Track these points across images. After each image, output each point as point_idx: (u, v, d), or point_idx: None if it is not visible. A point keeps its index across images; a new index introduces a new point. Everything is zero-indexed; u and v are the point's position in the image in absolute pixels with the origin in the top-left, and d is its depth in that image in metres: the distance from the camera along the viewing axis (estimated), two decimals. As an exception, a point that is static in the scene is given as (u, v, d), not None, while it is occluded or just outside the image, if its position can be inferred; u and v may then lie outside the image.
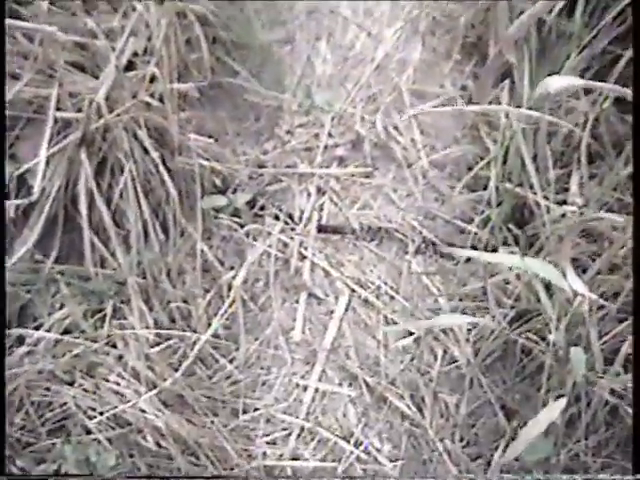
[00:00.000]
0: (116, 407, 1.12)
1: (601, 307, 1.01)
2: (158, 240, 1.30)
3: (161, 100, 1.27)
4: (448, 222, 1.49)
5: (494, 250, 1.31)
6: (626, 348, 0.86)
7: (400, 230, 1.48)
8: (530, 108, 1.19)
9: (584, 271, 1.11)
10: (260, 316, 1.38)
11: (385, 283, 1.43)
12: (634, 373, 0.79)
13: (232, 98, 1.55)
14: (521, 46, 1.32)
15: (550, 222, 1.18)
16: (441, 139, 1.58)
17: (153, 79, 1.26)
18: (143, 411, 1.11)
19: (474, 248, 1.38)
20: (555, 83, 0.93)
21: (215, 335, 1.32)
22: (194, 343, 1.26)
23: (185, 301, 1.31)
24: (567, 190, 1.28)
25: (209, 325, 1.31)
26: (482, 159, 1.45)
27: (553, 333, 0.98)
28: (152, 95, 1.28)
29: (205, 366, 1.26)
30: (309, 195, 1.51)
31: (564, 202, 1.26)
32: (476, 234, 1.41)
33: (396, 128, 1.59)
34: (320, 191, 1.52)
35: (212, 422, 1.18)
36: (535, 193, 1.24)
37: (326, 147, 1.57)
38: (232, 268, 1.40)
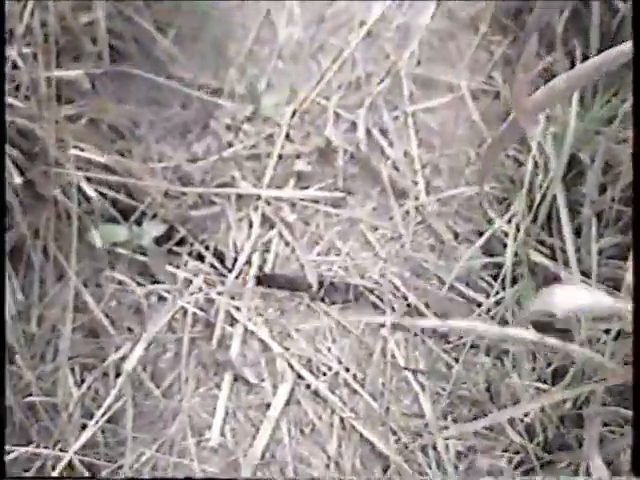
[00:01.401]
0: None
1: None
2: (14, 300, 1.12)
3: (28, 97, 1.11)
4: (445, 284, 1.27)
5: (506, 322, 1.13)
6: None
7: (376, 291, 1.28)
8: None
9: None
10: (162, 406, 1.18)
11: (347, 369, 1.23)
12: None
13: (145, 79, 1.34)
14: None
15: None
16: (449, 157, 1.38)
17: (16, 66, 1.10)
18: None
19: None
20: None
21: (91, 444, 1.12)
22: (57, 460, 1.08)
23: (48, 394, 1.13)
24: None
25: (83, 429, 1.12)
26: (504, 201, 1.27)
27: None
28: (17, 88, 1.11)
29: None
30: (250, 227, 1.32)
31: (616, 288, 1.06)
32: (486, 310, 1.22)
33: (385, 133, 1.38)
34: (267, 222, 1.33)
35: None
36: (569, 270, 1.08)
37: (281, 157, 1.37)
38: (124, 340, 1.21)
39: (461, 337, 1.23)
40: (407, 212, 1.35)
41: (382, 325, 1.26)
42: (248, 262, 1.30)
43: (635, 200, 0.85)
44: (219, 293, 1.27)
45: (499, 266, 1.23)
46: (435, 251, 1.32)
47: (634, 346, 0.81)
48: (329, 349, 1.24)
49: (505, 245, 1.21)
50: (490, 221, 1.28)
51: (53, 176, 1.14)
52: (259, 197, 1.33)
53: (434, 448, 1.14)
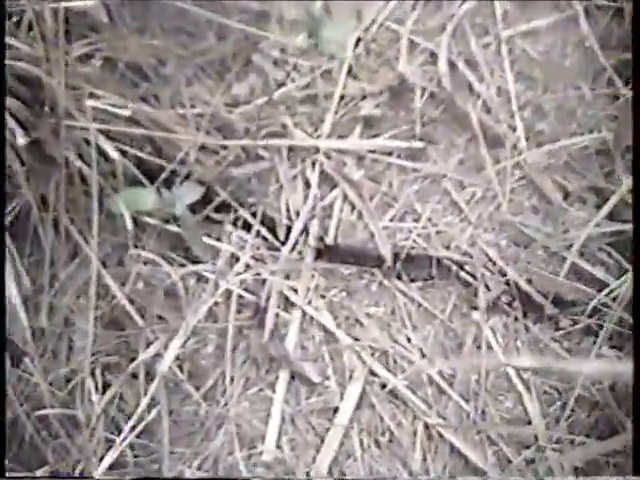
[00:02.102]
0: None
1: None
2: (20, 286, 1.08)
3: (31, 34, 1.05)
4: (555, 255, 1.22)
5: None
6: None
7: (466, 264, 1.23)
8: None
9: None
10: (204, 413, 1.14)
11: (431, 364, 1.18)
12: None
13: (171, 5, 1.24)
14: None
15: None
16: (555, 94, 1.34)
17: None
18: None
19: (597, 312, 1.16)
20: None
21: (119, 464, 1.07)
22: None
23: (64, 404, 1.07)
24: None
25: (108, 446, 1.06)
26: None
27: None
28: (18, 25, 1.06)
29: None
30: (307, 187, 1.29)
31: None
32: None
33: (473, 66, 1.34)
34: (327, 181, 1.29)
35: None
36: None
37: (343, 98, 1.32)
38: (155, 333, 1.15)
39: (575, 321, 1.18)
40: (502, 165, 1.30)
41: (474, 307, 1.21)
42: (305, 231, 1.26)
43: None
44: (271, 272, 1.22)
45: (620, 233, 1.19)
46: (539, 214, 1.27)
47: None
48: (408, 339, 1.19)
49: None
50: (611, 176, 1.23)
51: (64, 132, 1.10)
52: (317, 150, 1.29)
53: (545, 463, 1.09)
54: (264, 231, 1.26)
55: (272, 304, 1.20)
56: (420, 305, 1.22)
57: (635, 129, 0.91)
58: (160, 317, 1.17)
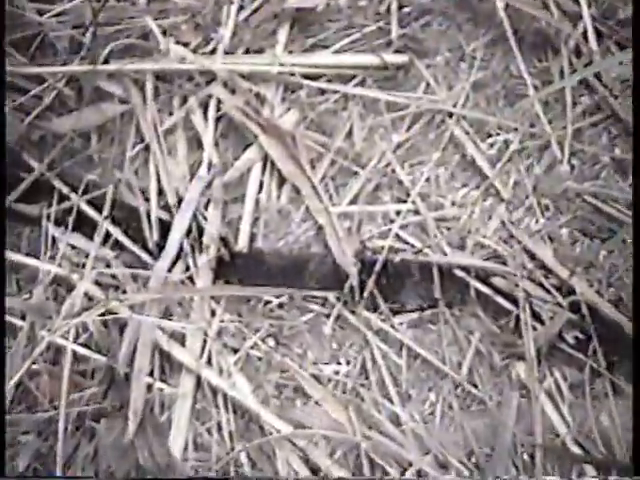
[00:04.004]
0: None
1: None
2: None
3: None
4: None
5: None
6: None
7: (495, 277, 1.01)
8: None
9: None
10: None
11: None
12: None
13: None
14: None
15: None
16: None
17: None
18: None
19: None
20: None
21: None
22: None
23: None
24: None
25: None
26: None
27: None
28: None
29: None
30: (198, 147, 1.06)
31: None
32: None
33: None
34: (233, 133, 1.06)
35: None
36: None
37: None
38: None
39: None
40: (556, 88, 1.06)
41: (515, 356, 0.99)
42: (198, 231, 1.04)
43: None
44: (131, 307, 1.00)
45: None
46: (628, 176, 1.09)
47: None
48: (396, 420, 0.95)
49: None
50: None
51: None
52: (213, 76, 1.06)
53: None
54: (117, 233, 1.06)
55: (140, 367, 0.98)
56: (414, 356, 1.00)
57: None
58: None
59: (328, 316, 1.03)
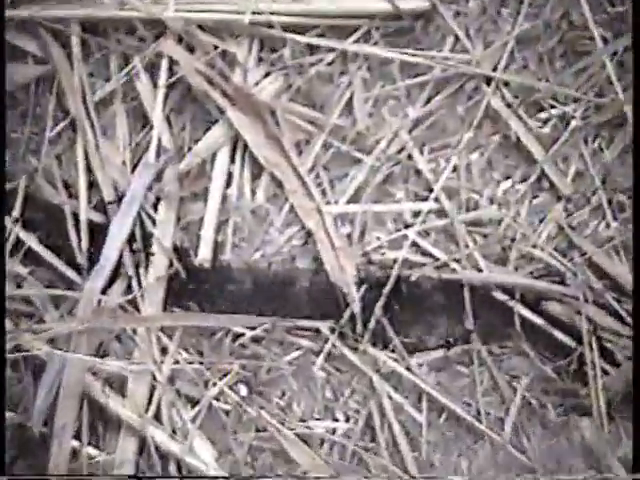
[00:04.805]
0: None
1: None
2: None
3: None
4: None
5: None
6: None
7: (553, 303, 0.90)
8: None
9: None
10: None
11: None
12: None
13: None
14: None
15: None
16: None
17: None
18: None
19: None
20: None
21: None
22: None
23: None
24: None
25: None
26: None
27: None
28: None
29: None
30: (143, 120, 0.93)
31: None
32: None
33: None
34: (190, 105, 0.96)
35: None
36: None
37: None
38: None
39: None
40: None
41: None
42: (142, 237, 0.92)
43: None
44: (45, 343, 0.90)
45: None
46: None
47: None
48: None
49: None
50: None
51: None
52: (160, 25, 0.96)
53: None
54: (31, 241, 0.93)
55: (62, 425, 0.87)
56: (438, 409, 0.87)
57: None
58: None
59: (319, 353, 0.91)
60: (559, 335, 0.88)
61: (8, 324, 0.90)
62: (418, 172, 0.90)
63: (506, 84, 0.90)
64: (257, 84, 0.92)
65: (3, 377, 0.93)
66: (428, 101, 0.89)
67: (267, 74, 0.92)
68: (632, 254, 0.92)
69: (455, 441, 0.89)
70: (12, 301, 0.90)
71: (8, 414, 0.91)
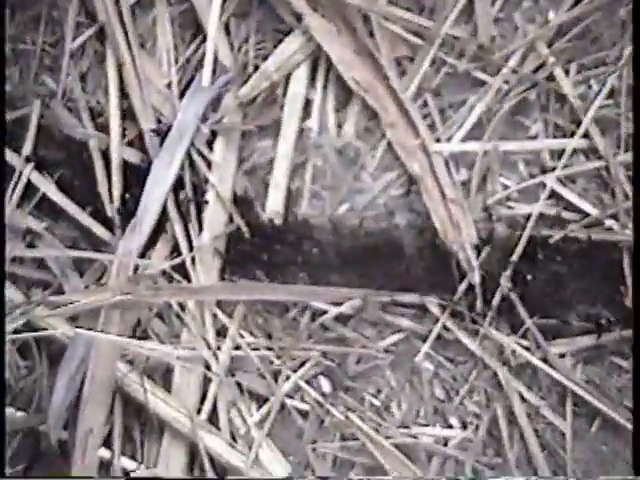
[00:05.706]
0: None
1: None
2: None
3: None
4: None
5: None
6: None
7: None
8: None
9: None
10: None
11: None
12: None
13: None
14: None
15: None
16: None
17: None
18: None
19: None
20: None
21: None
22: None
23: None
24: None
25: None
26: None
27: None
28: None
29: None
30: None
31: None
32: None
33: None
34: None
35: None
36: None
37: None
38: None
39: None
40: None
41: None
42: (194, 191, 0.77)
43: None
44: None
45: None
46: None
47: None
48: None
49: None
50: None
51: None
52: None
53: None
54: (47, 188, 0.80)
55: (87, 430, 0.76)
56: (589, 414, 0.74)
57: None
58: None
59: (426, 338, 0.78)
60: None
61: (14, 294, 0.78)
62: (561, 98, 0.77)
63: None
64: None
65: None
66: (576, 2, 0.74)
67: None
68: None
69: (611, 455, 0.75)
70: (21, 265, 0.78)
71: (17, 414, 0.80)
